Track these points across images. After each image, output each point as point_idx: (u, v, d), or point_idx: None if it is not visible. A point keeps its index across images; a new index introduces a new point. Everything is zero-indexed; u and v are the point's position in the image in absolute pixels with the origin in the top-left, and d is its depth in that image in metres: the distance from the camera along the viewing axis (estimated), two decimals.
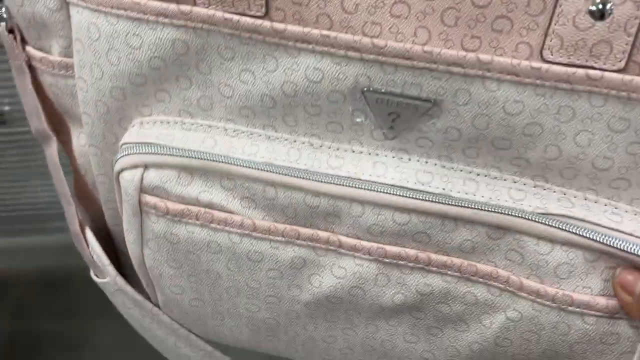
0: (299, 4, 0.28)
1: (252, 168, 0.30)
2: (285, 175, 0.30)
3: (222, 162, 0.31)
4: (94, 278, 0.39)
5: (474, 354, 0.33)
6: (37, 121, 0.35)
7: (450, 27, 0.27)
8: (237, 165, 0.30)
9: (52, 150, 0.36)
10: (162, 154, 0.31)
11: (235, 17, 0.28)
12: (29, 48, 0.34)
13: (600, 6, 0.25)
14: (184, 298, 0.36)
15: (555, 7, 0.25)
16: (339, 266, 0.32)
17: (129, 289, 0.38)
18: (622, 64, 0.26)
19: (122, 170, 0.32)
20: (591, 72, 0.26)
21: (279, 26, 0.28)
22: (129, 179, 0.32)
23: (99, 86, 0.32)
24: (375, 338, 0.35)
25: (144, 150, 0.31)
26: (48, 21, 0.32)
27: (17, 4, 0.32)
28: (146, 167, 0.31)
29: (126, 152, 0.31)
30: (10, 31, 0.33)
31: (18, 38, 0.34)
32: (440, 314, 0.33)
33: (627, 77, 0.25)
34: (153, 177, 0.31)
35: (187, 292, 0.36)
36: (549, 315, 0.30)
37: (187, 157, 0.31)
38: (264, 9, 0.28)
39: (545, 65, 0.26)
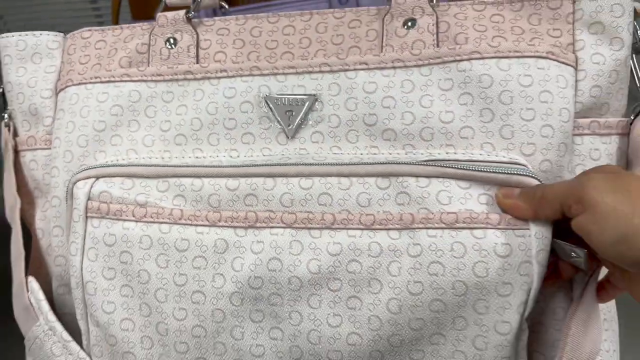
0: (219, 61, 0.41)
1: (183, 166, 0.38)
2: (210, 167, 0.38)
3: (159, 165, 0.38)
4: (26, 333, 0.39)
5: (394, 315, 0.34)
6: (9, 195, 0.43)
7: (317, 57, 0.40)
8: (170, 166, 0.38)
9: (17, 218, 0.42)
10: (111, 166, 0.39)
11: (175, 65, 0.41)
12: (18, 138, 0.44)
13: (409, 22, 0.39)
14: (115, 319, 0.37)
15: (383, 30, 0.39)
16: (257, 241, 0.36)
17: (58, 326, 0.38)
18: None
19: (77, 181, 0.38)
20: (413, 50, 0.37)
21: (205, 64, 0.40)
22: (81, 187, 0.38)
23: (69, 138, 0.41)
24: (302, 332, 0.35)
25: (97, 166, 0.39)
26: (40, 107, 0.43)
27: (20, 102, 0.44)
28: (97, 178, 0.38)
29: (82, 170, 0.39)
30: (7, 126, 0.45)
31: (12, 131, 0.44)
32: (354, 277, 0.34)
33: (437, 48, 0.37)
34: (101, 184, 0.38)
35: (118, 310, 0.37)
36: (444, 239, 0.33)
37: (130, 165, 0.38)
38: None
39: (382, 53, 0.38)
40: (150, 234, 0.37)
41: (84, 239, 0.38)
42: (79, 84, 0.42)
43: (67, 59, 0.44)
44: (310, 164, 0.36)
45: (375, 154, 0.38)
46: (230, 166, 0.37)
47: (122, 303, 0.37)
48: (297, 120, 0.39)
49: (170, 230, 0.37)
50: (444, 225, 0.34)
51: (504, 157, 0.35)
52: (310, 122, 0.38)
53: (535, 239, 0.33)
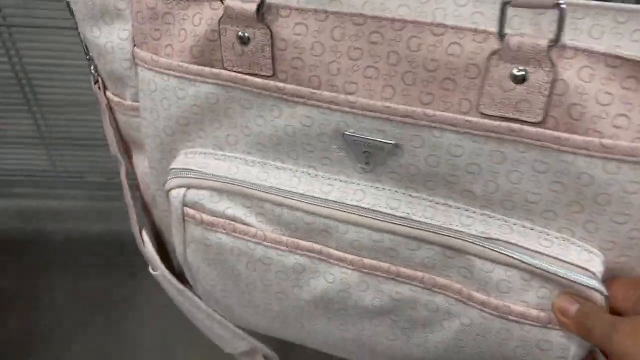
0: (296, 68, 0.37)
1: (263, 192, 0.39)
2: (288, 198, 0.39)
3: (241, 185, 0.40)
4: (151, 271, 0.50)
5: (439, 352, 0.40)
6: (113, 147, 0.47)
7: (409, 85, 0.35)
8: (252, 189, 0.40)
9: (123, 171, 0.47)
10: (198, 178, 0.41)
11: (250, 78, 0.37)
12: (108, 93, 0.45)
13: (520, 74, 0.32)
14: (216, 290, 0.46)
15: (486, 72, 0.32)
16: (329, 273, 0.40)
17: (173, 279, 0.48)
18: (540, 118, 0.32)
19: (170, 189, 0.42)
20: (513, 125, 0.32)
21: (280, 85, 0.37)
22: (176, 196, 0.42)
23: (155, 124, 0.42)
24: (363, 334, 0.43)
25: (186, 175, 0.41)
26: (122, 75, 0.43)
27: (102, 63, 0.43)
28: (188, 187, 0.42)
29: (173, 176, 0.42)
30: (96, 82, 0.45)
31: (102, 87, 0.45)
32: (410, 318, 0.40)
33: (540, 130, 0.32)
34: (192, 195, 0.41)
35: (217, 286, 0.46)
36: (493, 322, 0.37)
37: (215, 181, 0.40)
38: (271, 71, 0.37)
39: (475, 119, 0.33)
40: (240, 246, 0.42)
41: (184, 235, 0.43)
42: (153, 70, 0.40)
43: (138, 28, 0.40)
44: (382, 220, 0.37)
45: (450, 206, 0.37)
46: (306, 202, 0.38)
47: (219, 281, 0.45)
48: (375, 161, 0.37)
49: (255, 248, 0.41)
50: (496, 314, 0.36)
51: (577, 255, 0.34)
52: (388, 165, 0.37)
53: (575, 346, 0.35)
